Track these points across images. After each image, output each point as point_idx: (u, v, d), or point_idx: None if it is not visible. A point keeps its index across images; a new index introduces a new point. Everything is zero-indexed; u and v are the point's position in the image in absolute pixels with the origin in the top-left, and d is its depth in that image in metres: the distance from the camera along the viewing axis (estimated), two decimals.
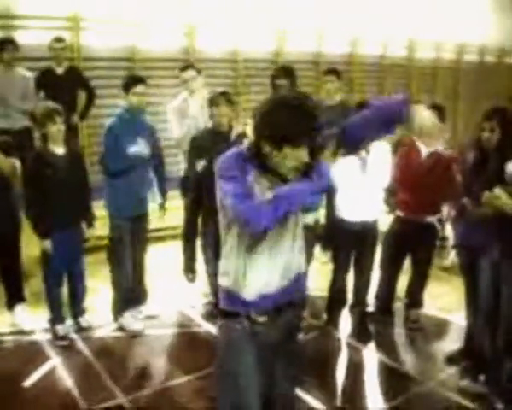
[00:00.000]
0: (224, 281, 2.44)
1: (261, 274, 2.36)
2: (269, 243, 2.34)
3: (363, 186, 4.43)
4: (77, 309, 4.71)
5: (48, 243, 4.33)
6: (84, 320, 4.72)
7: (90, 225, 4.63)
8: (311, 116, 2.17)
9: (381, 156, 4.46)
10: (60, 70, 6.45)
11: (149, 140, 4.64)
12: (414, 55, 11.49)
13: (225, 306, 2.46)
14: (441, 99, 10.41)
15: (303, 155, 2.18)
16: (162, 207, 4.94)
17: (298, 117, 2.15)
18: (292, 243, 2.42)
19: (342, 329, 4.83)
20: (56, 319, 4.55)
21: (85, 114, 6.71)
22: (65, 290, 4.65)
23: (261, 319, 2.43)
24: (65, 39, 6.60)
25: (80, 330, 4.66)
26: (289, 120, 2.14)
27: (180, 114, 5.35)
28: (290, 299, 2.48)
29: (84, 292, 4.73)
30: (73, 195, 4.41)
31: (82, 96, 6.72)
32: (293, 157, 2.18)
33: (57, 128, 4.29)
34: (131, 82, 4.51)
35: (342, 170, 4.44)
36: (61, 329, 4.54)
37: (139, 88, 4.49)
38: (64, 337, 4.51)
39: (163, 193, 4.93)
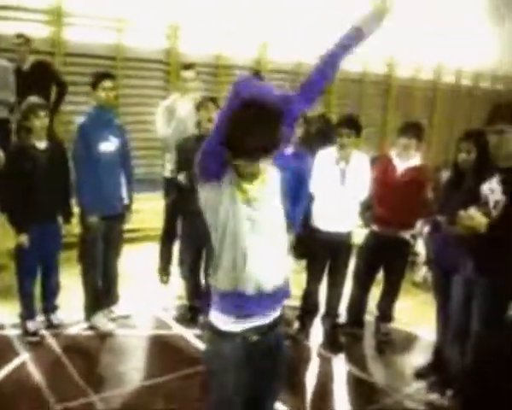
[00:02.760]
0: (219, 282, 2.34)
1: (260, 261, 2.29)
2: (262, 232, 2.31)
3: (340, 197, 4.50)
4: (49, 305, 4.66)
5: (24, 237, 4.27)
6: (56, 317, 4.67)
7: (67, 221, 4.59)
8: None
9: (360, 168, 4.54)
10: (25, 66, 6.26)
11: (119, 139, 4.59)
12: (393, 73, 11.71)
13: (218, 321, 2.39)
14: (416, 117, 10.62)
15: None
16: (129, 208, 4.77)
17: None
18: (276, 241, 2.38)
19: (313, 338, 4.88)
20: (27, 314, 4.50)
21: (55, 109, 6.39)
22: (37, 286, 4.59)
23: (254, 337, 2.40)
24: (25, 35, 6.33)
25: (51, 326, 4.61)
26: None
27: (168, 114, 5.35)
28: (280, 311, 2.48)
29: (57, 289, 4.68)
30: (53, 189, 4.37)
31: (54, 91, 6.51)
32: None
33: (40, 122, 4.27)
34: (99, 77, 4.47)
35: (321, 179, 4.52)
36: (31, 324, 4.48)
37: (107, 83, 4.44)
38: (34, 333, 4.46)
39: (130, 194, 4.77)
